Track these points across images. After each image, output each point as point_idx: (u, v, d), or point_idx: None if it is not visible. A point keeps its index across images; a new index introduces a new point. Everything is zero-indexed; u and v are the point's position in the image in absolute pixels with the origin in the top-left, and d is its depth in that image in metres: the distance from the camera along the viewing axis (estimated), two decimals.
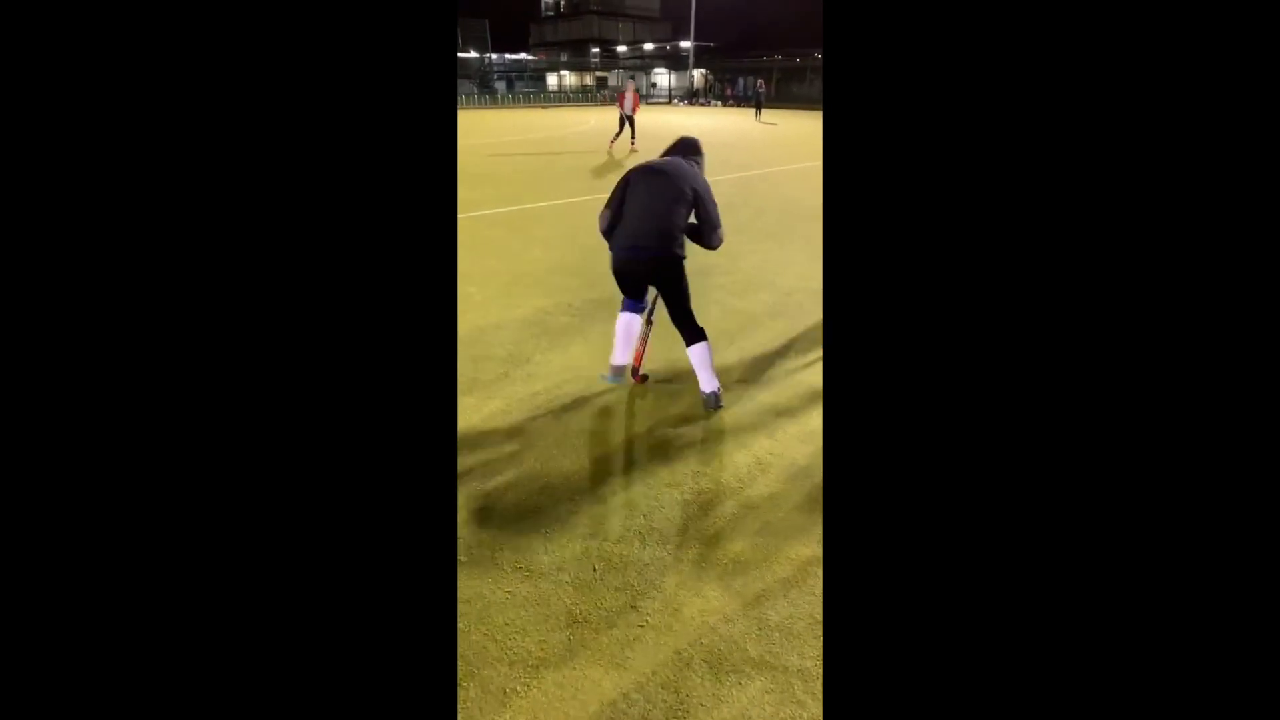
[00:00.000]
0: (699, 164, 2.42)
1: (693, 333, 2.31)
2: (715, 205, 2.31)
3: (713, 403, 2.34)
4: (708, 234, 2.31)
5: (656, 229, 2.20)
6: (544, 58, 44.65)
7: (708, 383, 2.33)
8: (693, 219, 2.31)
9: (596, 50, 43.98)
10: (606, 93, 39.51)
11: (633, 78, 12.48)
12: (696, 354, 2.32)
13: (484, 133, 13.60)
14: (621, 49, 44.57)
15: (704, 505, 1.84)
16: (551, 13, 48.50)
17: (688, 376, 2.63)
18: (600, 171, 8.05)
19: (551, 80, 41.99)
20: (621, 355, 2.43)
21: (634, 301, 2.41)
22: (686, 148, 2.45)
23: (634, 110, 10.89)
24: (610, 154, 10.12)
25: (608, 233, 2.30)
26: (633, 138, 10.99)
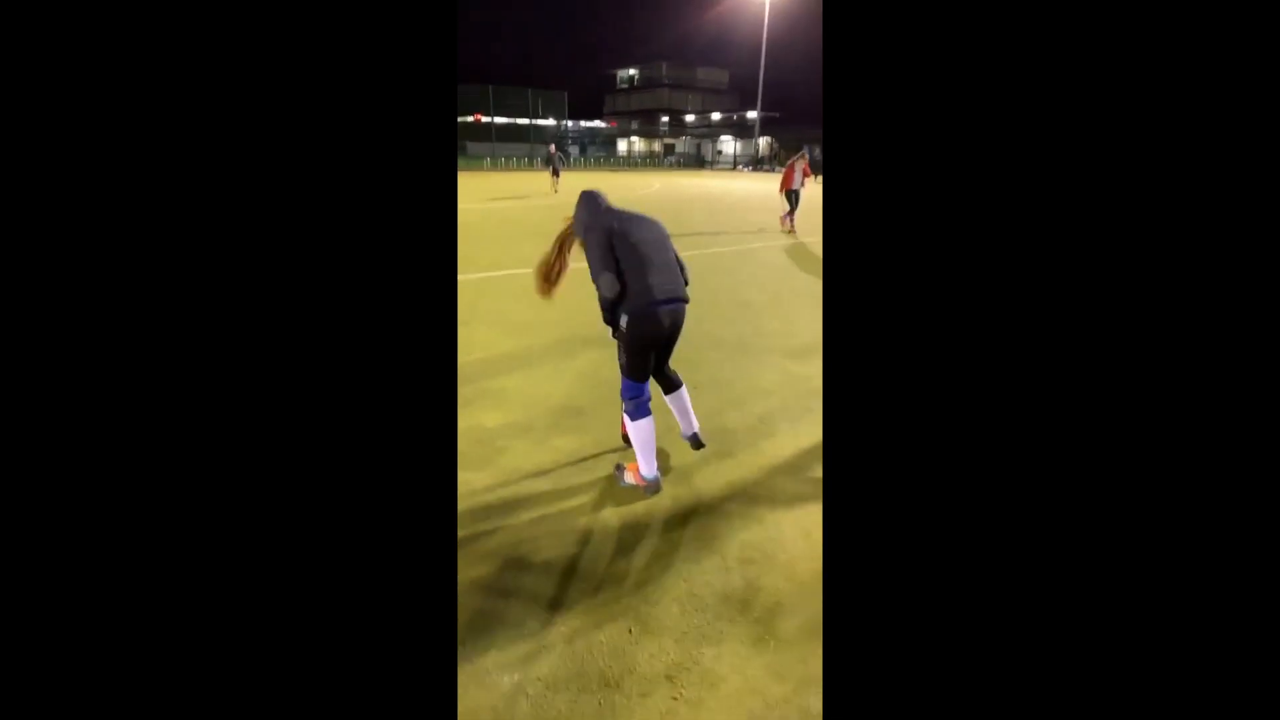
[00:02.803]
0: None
1: (676, 377, 2.31)
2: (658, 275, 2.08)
3: (698, 442, 2.36)
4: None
5: (679, 274, 2.08)
6: (615, 125, 47.30)
7: (689, 426, 2.35)
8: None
9: (666, 119, 46.23)
10: (672, 159, 41.16)
11: (805, 149, 11.16)
12: (683, 398, 2.32)
13: (552, 192, 14.35)
14: (690, 118, 46.68)
15: (748, 576, 1.78)
16: (625, 85, 51.68)
17: (737, 438, 2.60)
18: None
19: (621, 146, 44.28)
20: (654, 464, 2.14)
21: (645, 385, 2.11)
22: (594, 196, 2.16)
23: (802, 184, 9.41)
24: (784, 230, 9.16)
25: (619, 298, 1.98)
26: (792, 216, 9.38)
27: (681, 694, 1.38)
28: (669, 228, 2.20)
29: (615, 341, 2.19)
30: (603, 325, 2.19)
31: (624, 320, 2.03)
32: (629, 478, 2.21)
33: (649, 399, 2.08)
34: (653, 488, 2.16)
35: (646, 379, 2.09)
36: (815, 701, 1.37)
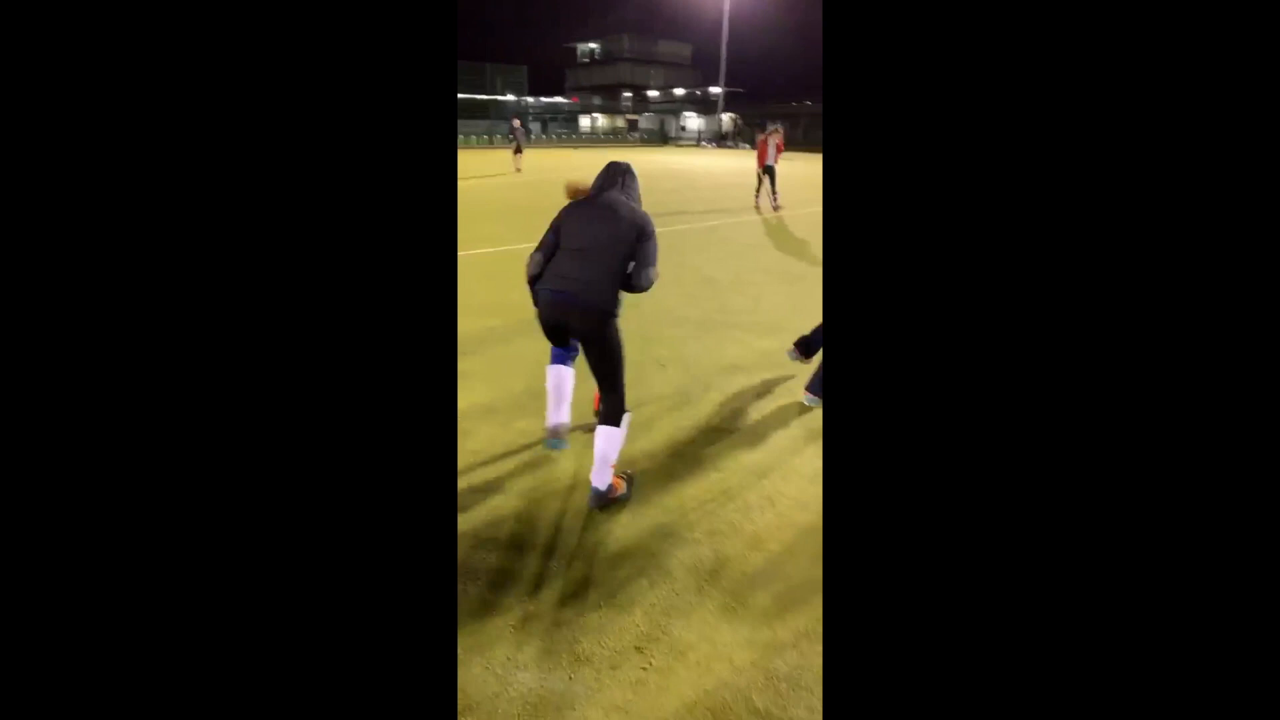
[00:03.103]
0: (633, 190, 2.04)
1: (611, 408, 1.92)
2: (656, 243, 1.95)
3: (594, 501, 1.93)
4: (639, 273, 1.91)
5: (587, 274, 1.85)
6: (577, 101, 46.39)
7: (598, 477, 1.92)
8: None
9: (628, 95, 45.51)
10: (636, 135, 40.66)
11: (777, 124, 9.86)
12: (602, 438, 1.90)
13: (514, 171, 14.04)
14: (653, 94, 46.06)
15: (715, 549, 1.81)
16: (586, 60, 50.56)
17: (702, 414, 2.63)
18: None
19: (584, 122, 43.48)
20: (555, 415, 2.16)
21: (562, 351, 2.13)
22: (615, 173, 2.04)
23: (775, 160, 9.02)
24: (759, 211, 8.79)
25: (535, 279, 1.93)
26: (774, 192, 9.02)
27: (651, 664, 1.41)
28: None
29: None
30: None
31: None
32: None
33: (552, 362, 2.18)
34: (549, 443, 2.27)
35: (555, 347, 2.14)
36: (780, 663, 1.41)
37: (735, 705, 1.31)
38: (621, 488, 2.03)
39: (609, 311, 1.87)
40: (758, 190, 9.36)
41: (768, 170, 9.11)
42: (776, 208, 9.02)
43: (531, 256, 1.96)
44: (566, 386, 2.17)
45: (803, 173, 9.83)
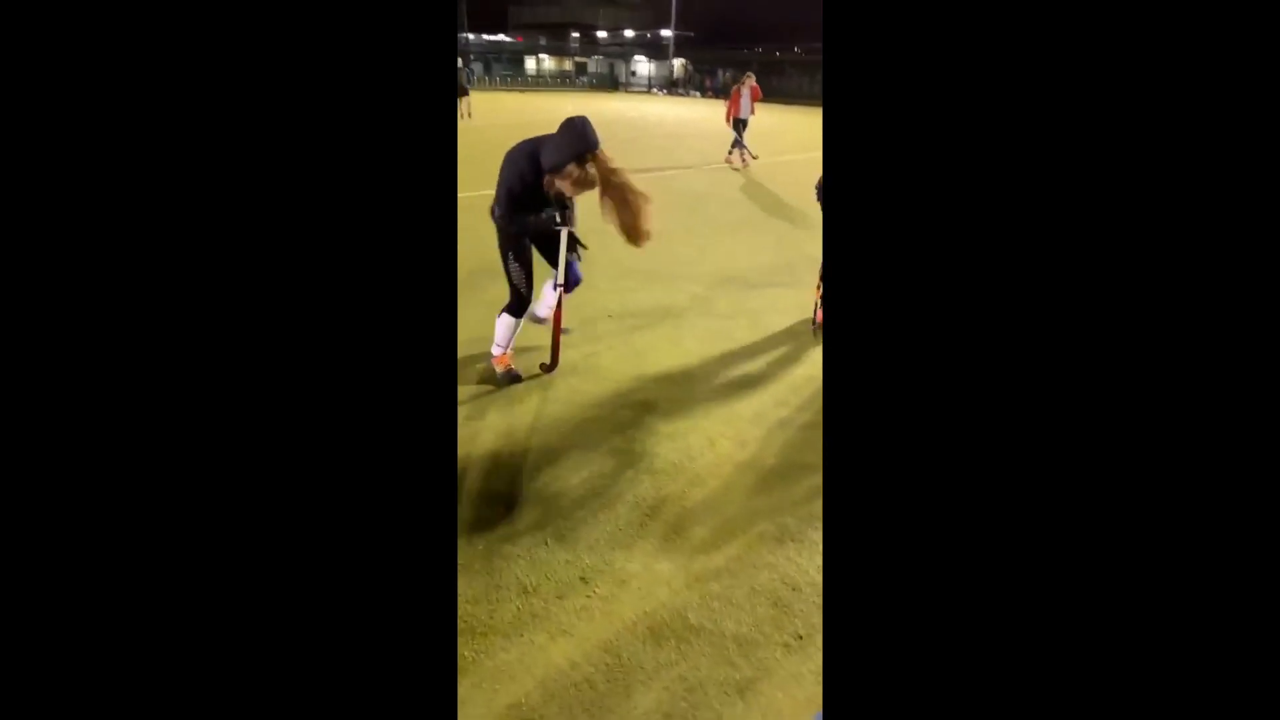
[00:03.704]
0: (550, 139, 2.15)
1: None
2: (500, 184, 2.20)
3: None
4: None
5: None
6: (522, 40, 43.94)
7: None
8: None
9: (576, 35, 43.43)
10: (585, 79, 39.06)
11: (749, 72, 9.11)
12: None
13: (465, 116, 13.36)
14: (601, 35, 44.11)
15: (657, 486, 1.91)
16: None
17: (646, 359, 2.70)
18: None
19: (530, 64, 41.39)
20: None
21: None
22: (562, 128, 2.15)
23: (751, 112, 8.48)
24: (732, 166, 8.41)
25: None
26: (742, 145, 8.53)
27: (595, 592, 1.50)
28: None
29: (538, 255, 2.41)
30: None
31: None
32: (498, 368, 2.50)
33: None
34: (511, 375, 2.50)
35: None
36: (715, 585, 1.53)
37: (673, 622, 1.42)
38: (505, 363, 2.47)
39: (499, 226, 2.29)
40: (732, 147, 8.65)
41: (740, 123, 8.47)
42: (745, 165, 8.48)
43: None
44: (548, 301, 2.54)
45: (757, 122, 9.68)
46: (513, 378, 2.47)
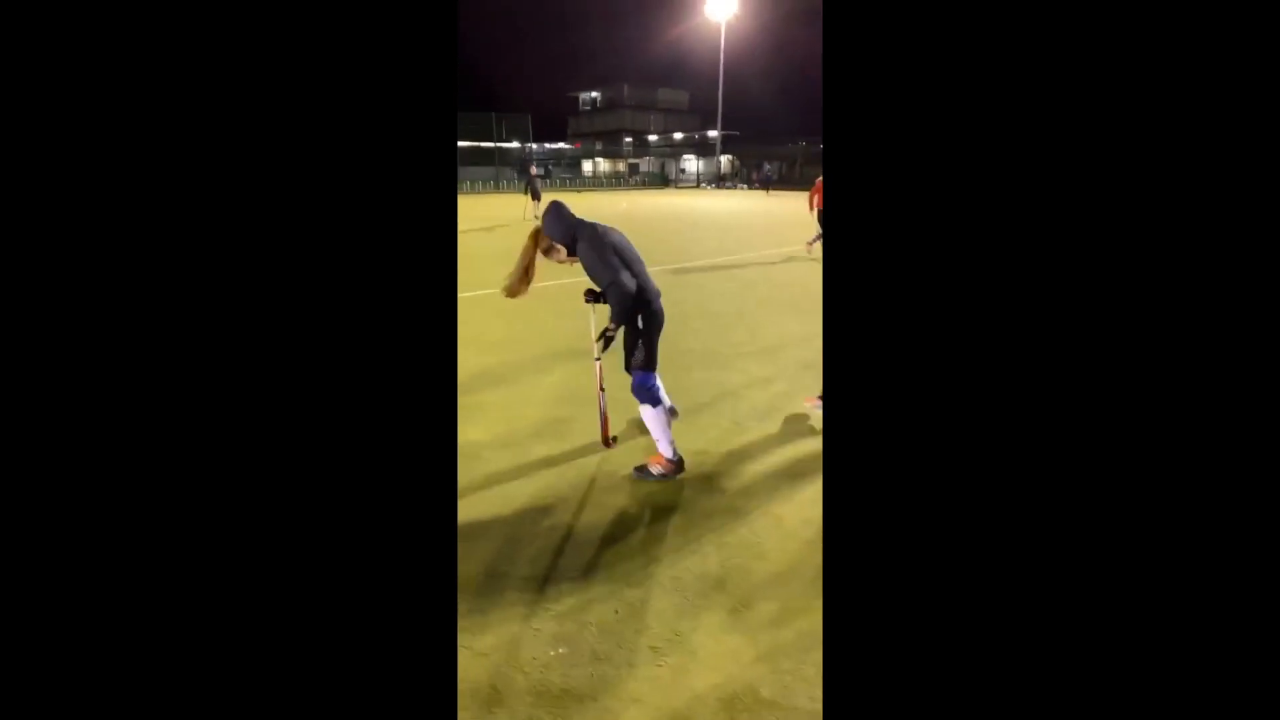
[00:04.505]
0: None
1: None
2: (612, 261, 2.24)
3: (635, 472, 2.41)
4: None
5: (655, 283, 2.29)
6: (580, 146, 47.87)
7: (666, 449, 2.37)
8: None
9: (629, 140, 47.01)
10: (638, 178, 41.78)
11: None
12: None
13: (532, 218, 14.51)
14: (653, 138, 47.57)
15: (723, 560, 1.94)
16: (588, 107, 52.48)
17: (710, 438, 2.77)
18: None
19: (586, 167, 44.81)
20: (673, 443, 2.38)
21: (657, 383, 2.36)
22: (555, 208, 2.34)
23: None
24: (811, 255, 8.44)
25: (641, 293, 2.22)
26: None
27: (665, 662, 1.52)
28: (640, 247, 2.39)
29: (603, 347, 2.32)
30: (579, 336, 2.36)
31: (639, 317, 2.24)
32: (655, 469, 2.39)
33: (658, 385, 2.34)
34: (679, 466, 2.39)
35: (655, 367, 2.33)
36: (785, 661, 1.52)
37: (744, 696, 1.42)
38: (660, 467, 2.38)
39: (629, 309, 2.21)
40: (816, 238, 8.36)
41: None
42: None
43: (623, 275, 2.15)
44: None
45: (804, 209, 10.02)
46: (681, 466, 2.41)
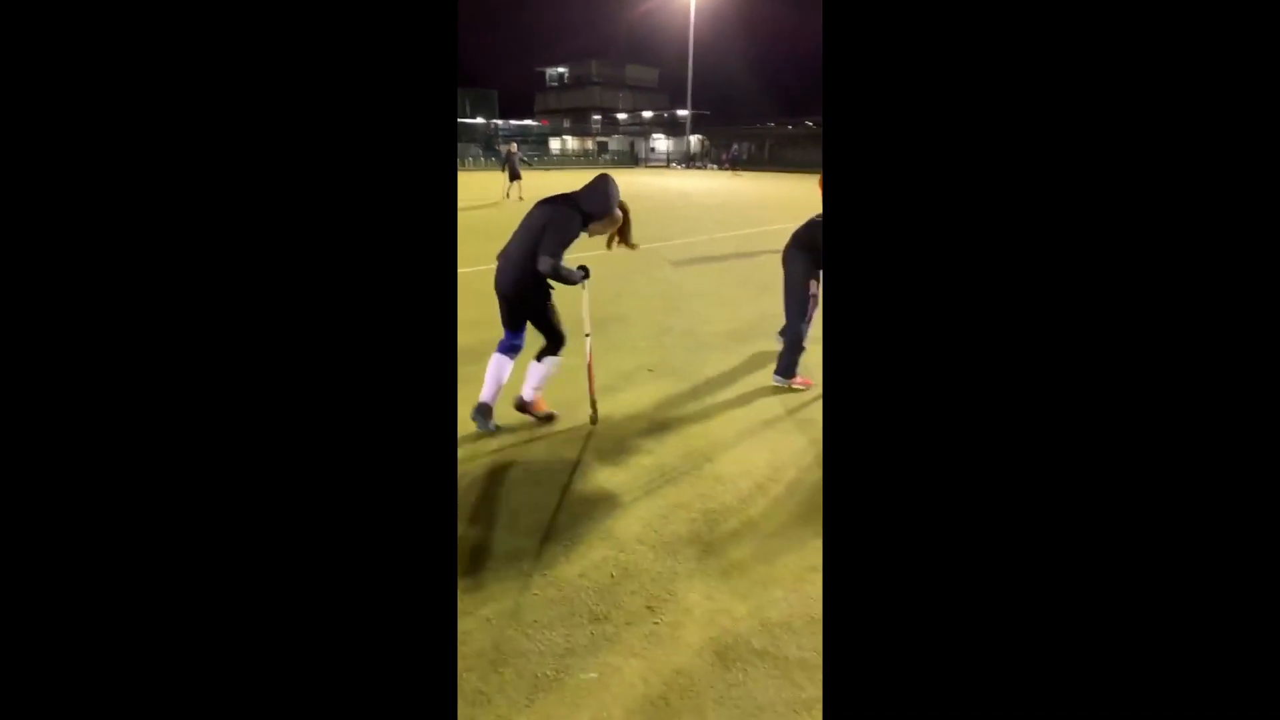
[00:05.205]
0: (587, 195, 2.50)
1: (547, 347, 2.59)
2: (552, 235, 2.35)
3: (515, 403, 2.67)
4: (537, 257, 2.37)
5: (512, 253, 2.42)
6: (547, 124, 46.96)
7: (526, 390, 2.65)
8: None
9: (598, 117, 46.31)
10: (607, 156, 41.32)
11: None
12: (538, 365, 2.61)
13: (516, 199, 14.23)
14: (621, 116, 46.96)
15: (710, 521, 2.02)
16: (555, 83, 51.38)
17: (696, 407, 2.84)
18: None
19: (554, 144, 44.03)
20: (485, 394, 2.58)
21: (506, 342, 2.59)
22: (592, 183, 2.54)
23: None
24: None
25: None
26: None
27: (661, 620, 1.60)
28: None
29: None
30: (562, 315, 2.52)
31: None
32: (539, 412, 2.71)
33: (501, 346, 2.62)
34: (474, 411, 2.60)
35: (506, 327, 2.61)
36: (774, 614, 1.61)
37: (737, 647, 1.51)
38: (543, 408, 2.69)
39: (525, 281, 2.41)
40: None
41: None
42: None
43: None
44: (502, 372, 2.60)
45: (774, 190, 10.15)
46: (550, 417, 2.71)
